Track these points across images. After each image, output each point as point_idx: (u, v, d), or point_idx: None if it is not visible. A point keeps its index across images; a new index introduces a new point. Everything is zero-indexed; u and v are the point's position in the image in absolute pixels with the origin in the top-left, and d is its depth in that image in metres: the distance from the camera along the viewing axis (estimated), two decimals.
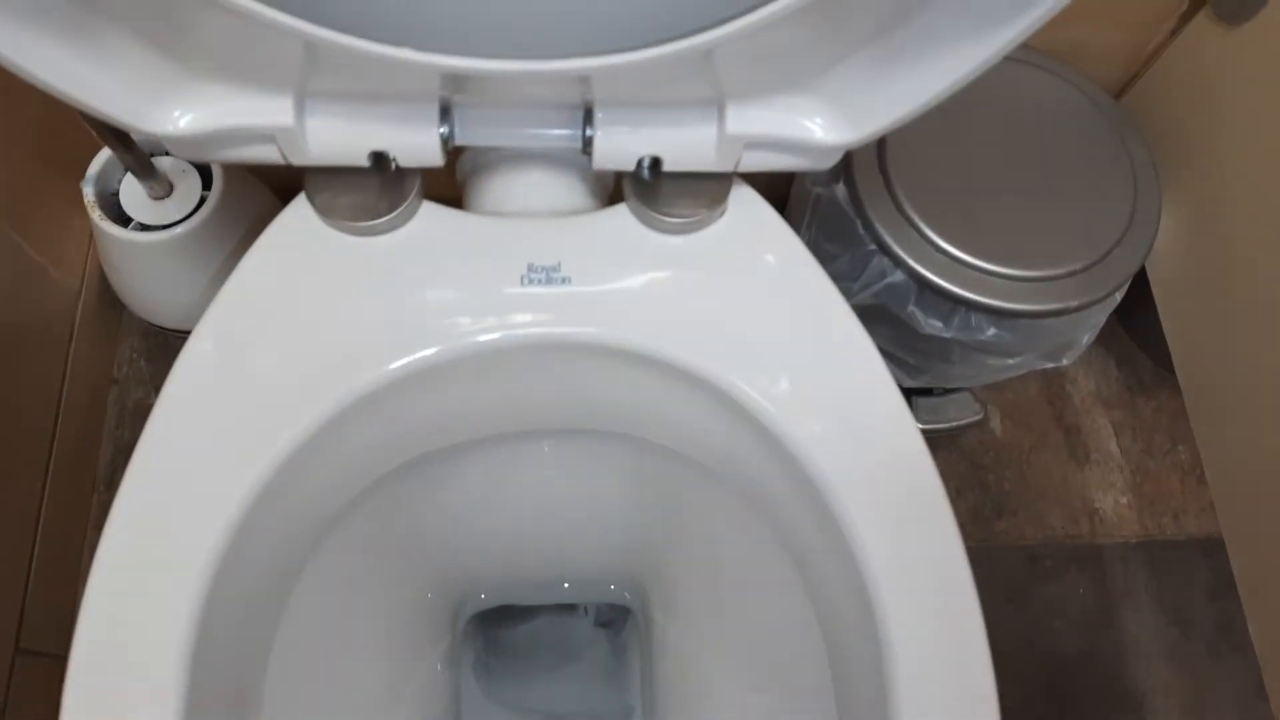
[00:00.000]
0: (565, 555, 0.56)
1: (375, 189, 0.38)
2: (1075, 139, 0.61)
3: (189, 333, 0.37)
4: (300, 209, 0.38)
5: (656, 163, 0.37)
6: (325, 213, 0.38)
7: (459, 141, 0.37)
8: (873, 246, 0.59)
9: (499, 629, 0.57)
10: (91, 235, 0.71)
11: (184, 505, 0.34)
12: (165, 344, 0.74)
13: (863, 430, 0.38)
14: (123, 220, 0.63)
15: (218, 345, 0.36)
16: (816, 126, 0.36)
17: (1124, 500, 0.76)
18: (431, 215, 0.39)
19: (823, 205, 0.61)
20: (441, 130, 0.36)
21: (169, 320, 0.69)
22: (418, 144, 0.36)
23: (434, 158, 0.37)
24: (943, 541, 0.36)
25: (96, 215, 0.62)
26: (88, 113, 0.31)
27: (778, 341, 0.39)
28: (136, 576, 0.33)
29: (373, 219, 0.38)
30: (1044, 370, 0.76)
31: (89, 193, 0.62)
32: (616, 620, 0.58)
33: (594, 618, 0.58)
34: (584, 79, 0.34)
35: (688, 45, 0.29)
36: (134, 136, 0.56)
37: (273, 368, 0.36)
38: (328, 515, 0.41)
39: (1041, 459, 0.77)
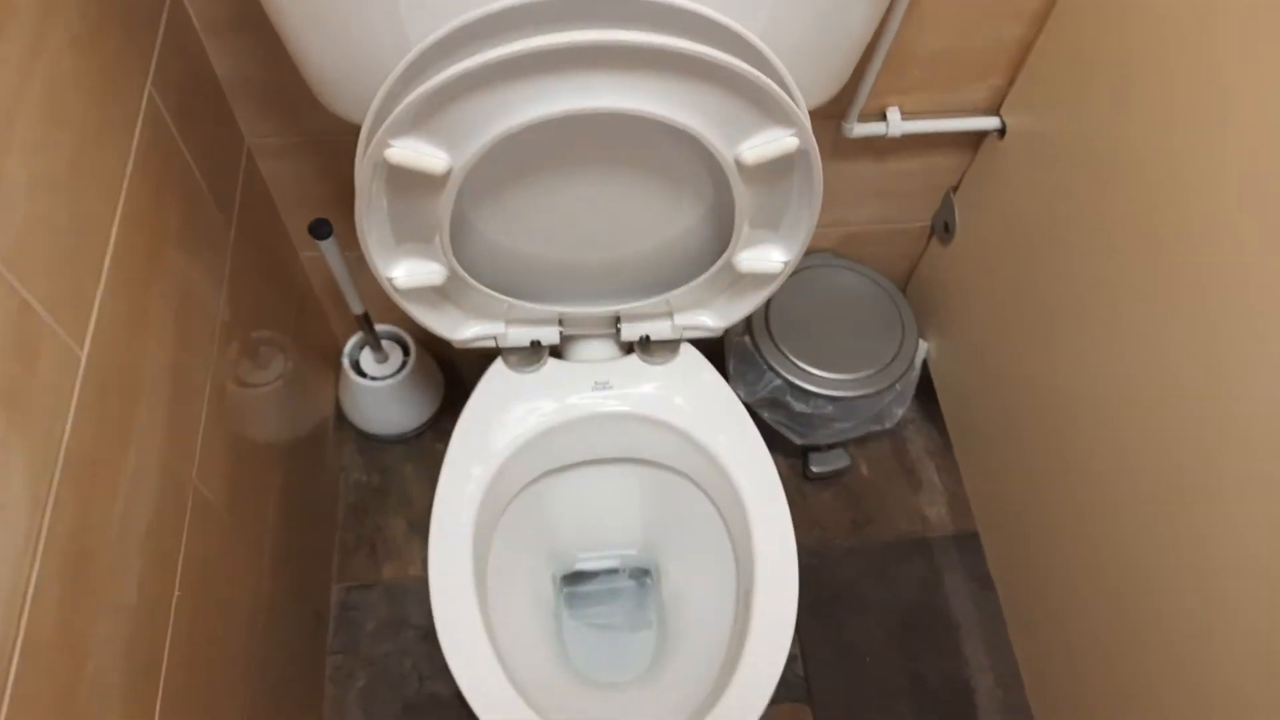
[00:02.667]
0: (612, 539, 1.06)
1: (529, 354, 0.90)
2: (870, 307, 1.15)
3: (387, 438, 0.88)
4: (497, 366, 0.91)
5: (647, 338, 0.90)
6: (511, 366, 0.90)
7: (566, 334, 0.90)
8: (765, 366, 1.11)
9: (577, 582, 1.07)
10: (337, 382, 1.23)
11: (458, 492, 0.85)
12: (369, 443, 1.25)
13: (743, 447, 0.88)
14: (360, 373, 1.16)
15: (471, 418, 0.88)
16: (709, 320, 0.88)
17: (943, 511, 1.25)
18: (555, 364, 0.91)
19: (737, 345, 1.14)
20: (560, 330, 0.88)
21: (378, 429, 1.21)
22: (549, 335, 0.89)
23: (555, 338, 0.89)
24: (771, 487, 0.86)
25: (348, 368, 1.15)
26: (423, 326, 0.84)
27: (706, 411, 0.90)
28: (449, 518, 0.83)
29: (531, 366, 0.90)
30: (886, 433, 1.26)
31: (345, 359, 1.15)
32: (641, 575, 1.07)
33: (628, 574, 1.07)
34: (615, 310, 0.87)
35: (654, 300, 0.83)
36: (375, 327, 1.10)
37: (494, 423, 0.87)
38: (506, 500, 0.92)
39: (892, 488, 1.27)
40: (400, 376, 1.15)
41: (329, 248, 0.89)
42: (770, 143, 0.63)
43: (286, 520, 0.97)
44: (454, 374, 1.26)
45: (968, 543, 1.23)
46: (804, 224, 0.74)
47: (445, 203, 0.66)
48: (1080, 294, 0.86)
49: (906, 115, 0.94)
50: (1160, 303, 0.74)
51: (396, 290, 0.75)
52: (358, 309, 1.01)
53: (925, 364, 1.22)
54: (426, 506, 0.85)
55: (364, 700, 1.09)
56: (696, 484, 0.93)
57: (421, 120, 0.60)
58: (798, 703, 1.11)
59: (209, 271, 0.79)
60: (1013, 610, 1.11)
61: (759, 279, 0.81)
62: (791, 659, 1.11)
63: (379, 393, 1.15)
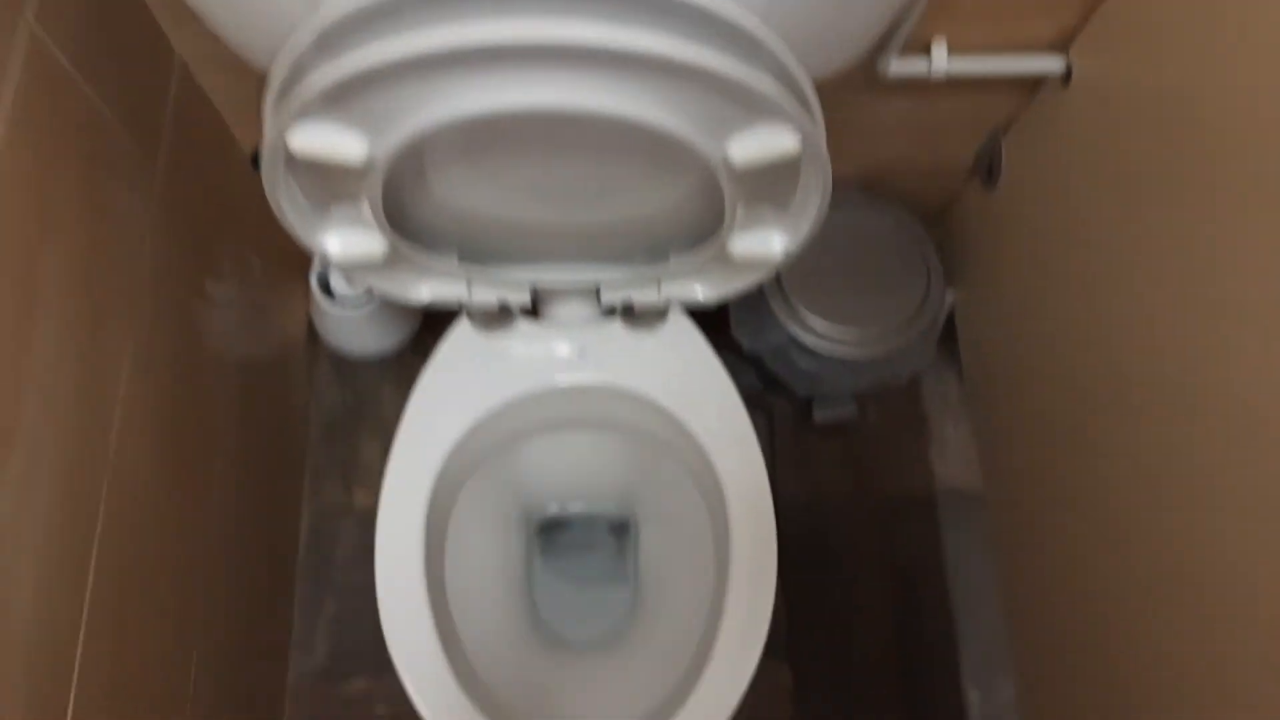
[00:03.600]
0: (590, 493, 1.00)
1: (498, 314, 0.81)
2: (895, 251, 1.02)
3: (363, 358, 0.80)
4: (462, 325, 0.81)
5: (629, 304, 0.80)
6: (477, 326, 0.81)
7: (540, 300, 0.80)
8: (771, 317, 1.00)
9: (554, 532, 1.01)
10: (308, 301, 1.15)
11: (423, 446, 0.78)
12: (343, 362, 1.18)
13: (722, 418, 0.80)
14: (329, 292, 1.07)
15: (432, 376, 0.79)
16: (700, 292, 0.78)
17: (952, 468, 1.18)
18: (525, 325, 0.82)
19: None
20: (531, 294, 0.78)
21: (352, 351, 1.13)
22: (520, 298, 0.79)
23: (526, 302, 0.79)
24: (755, 479, 0.78)
25: (316, 292, 1.06)
26: (374, 291, 0.75)
27: (690, 389, 0.81)
28: (407, 472, 0.77)
29: (499, 327, 0.81)
30: (900, 383, 1.17)
31: (312, 277, 1.06)
32: (619, 528, 1.02)
33: (605, 527, 1.01)
34: (594, 279, 0.77)
35: (638, 270, 0.72)
36: None
37: (456, 390, 0.79)
38: (473, 465, 0.85)
39: (900, 440, 1.19)
40: (372, 302, 1.06)
41: None
42: (764, 143, 0.51)
43: (248, 444, 0.92)
44: None
45: (973, 503, 1.16)
46: (811, 212, 0.62)
47: (371, 188, 0.55)
48: (1132, 264, 0.74)
49: (954, 51, 0.79)
50: (1229, 290, 0.63)
51: (332, 263, 0.65)
52: None
53: (951, 313, 1.11)
54: None
55: (333, 629, 1.07)
56: (676, 459, 0.86)
57: (334, 103, 0.48)
58: (778, 660, 1.08)
59: (128, 219, 0.69)
60: (1008, 578, 1.06)
61: (759, 262, 0.70)
62: (775, 614, 1.07)
63: (348, 318, 1.06)
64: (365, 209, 0.60)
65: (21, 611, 0.54)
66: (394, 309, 1.09)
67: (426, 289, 0.76)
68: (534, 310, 0.83)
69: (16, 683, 0.53)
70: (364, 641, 1.07)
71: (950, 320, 1.12)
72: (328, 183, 0.57)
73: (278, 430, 1.06)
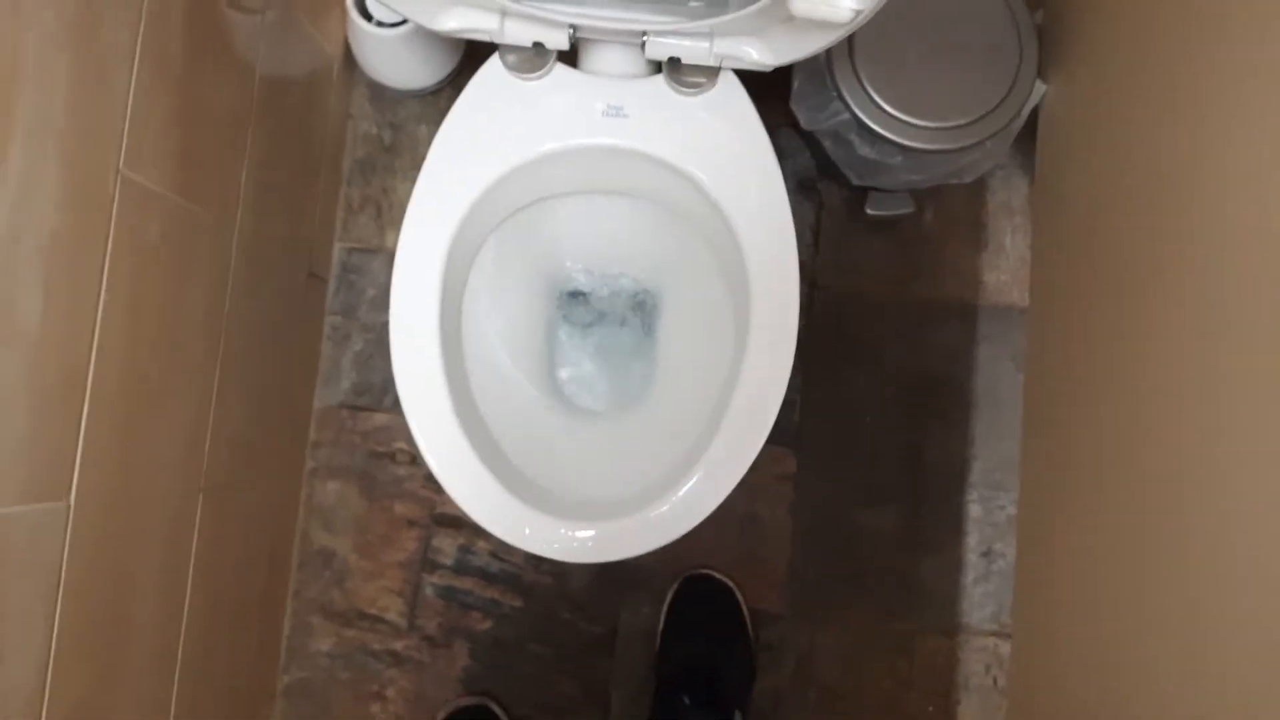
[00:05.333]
0: (615, 265, 0.97)
1: (533, 57, 0.74)
2: (985, 28, 0.91)
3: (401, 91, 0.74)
4: (494, 64, 0.75)
5: (676, 60, 0.72)
6: (510, 67, 0.74)
7: (580, 36, 0.72)
8: (834, 93, 0.91)
9: (577, 304, 1.00)
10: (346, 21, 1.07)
11: (444, 199, 0.74)
12: (382, 93, 1.12)
13: (761, 200, 0.74)
14: (367, 15, 0.99)
15: (459, 117, 0.74)
16: (756, 53, 0.70)
17: (1004, 279, 1.12)
18: (561, 72, 0.75)
19: (807, 59, 0.93)
20: (569, 33, 0.71)
21: (390, 81, 1.07)
22: (557, 39, 0.71)
23: (564, 44, 0.72)
24: (784, 251, 0.73)
25: (352, 10, 0.98)
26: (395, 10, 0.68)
27: (727, 156, 0.75)
28: (427, 218, 0.74)
29: (533, 71, 0.74)
30: (965, 182, 1.09)
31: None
32: (642, 304, 1.00)
33: (629, 301, 1.00)
34: (640, 22, 0.69)
35: (690, 22, 0.64)
36: None
37: (484, 135, 0.74)
38: (497, 220, 0.82)
39: (953, 244, 1.12)
40: (409, 24, 0.98)
41: None
42: None
43: (276, 164, 0.89)
44: None
45: (1018, 320, 1.11)
46: None
47: None
48: (1264, 82, 0.64)
49: None
50: None
51: None
52: None
53: (1035, 109, 1.01)
54: None
55: (359, 364, 1.10)
56: (706, 238, 0.81)
57: None
58: (785, 447, 1.09)
59: None
60: (1034, 395, 1.03)
61: (824, 21, 0.62)
62: (790, 404, 1.07)
63: (386, 41, 0.99)
64: None
65: (31, 318, 0.54)
66: (433, 38, 1.01)
67: (455, 18, 0.69)
68: (572, 58, 0.76)
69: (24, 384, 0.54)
70: (389, 379, 1.09)
71: (1033, 118, 1.01)
72: None
73: (310, 156, 1.02)
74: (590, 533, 0.71)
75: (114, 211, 0.62)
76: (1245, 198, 0.65)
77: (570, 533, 0.71)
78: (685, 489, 0.71)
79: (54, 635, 0.58)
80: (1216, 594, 0.64)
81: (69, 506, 0.59)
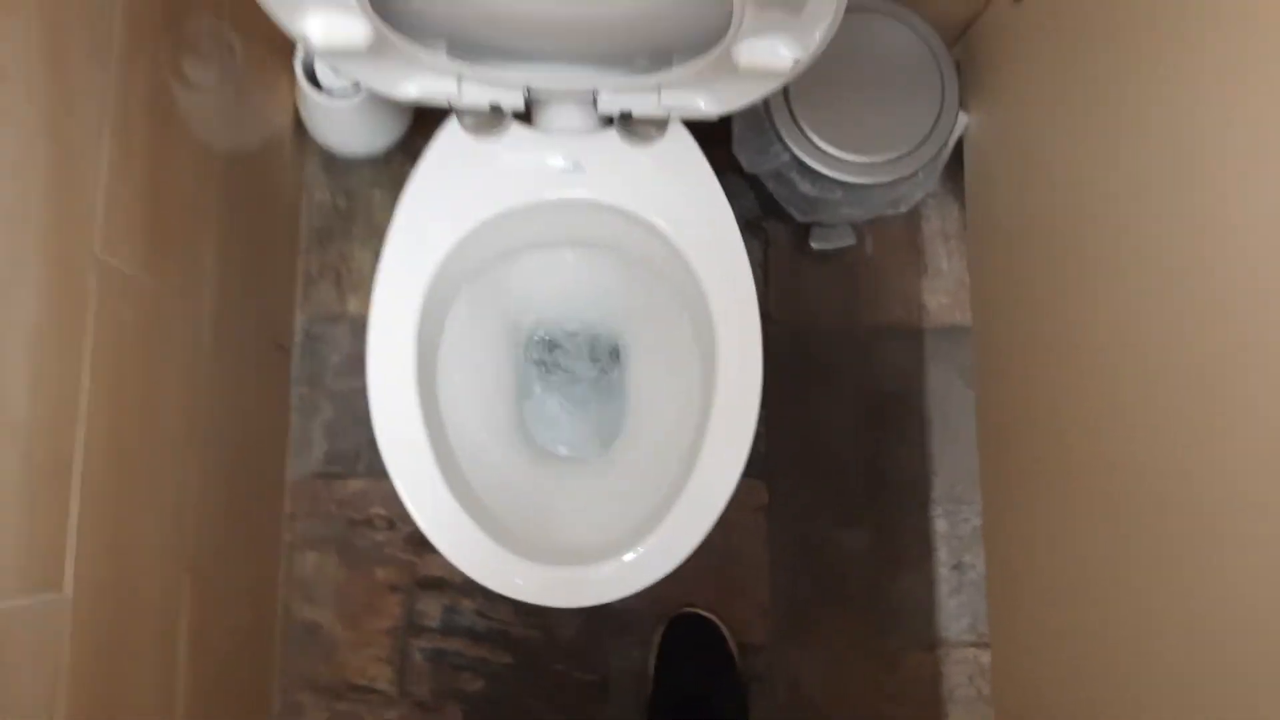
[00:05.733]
0: (580, 313, 0.99)
1: (490, 119, 0.77)
2: (910, 68, 0.97)
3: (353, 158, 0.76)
4: (452, 126, 0.78)
5: (628, 114, 0.76)
6: (467, 129, 0.77)
7: (534, 97, 0.76)
8: (774, 136, 0.96)
9: (546, 352, 1.02)
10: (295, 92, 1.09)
11: (412, 262, 0.76)
12: (334, 160, 1.14)
13: (715, 241, 0.77)
14: (317, 84, 1.01)
15: (421, 181, 0.77)
16: (703, 103, 0.74)
17: (944, 301, 1.17)
18: (518, 131, 0.78)
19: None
20: (524, 95, 0.74)
21: (342, 148, 1.09)
22: (513, 100, 0.75)
23: (520, 105, 0.75)
24: (745, 313, 0.77)
25: (302, 80, 1.00)
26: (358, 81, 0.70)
27: (681, 201, 0.78)
28: (397, 282, 0.76)
29: (490, 132, 0.77)
30: (901, 212, 1.14)
31: (297, 65, 1.00)
32: (610, 350, 1.03)
33: (597, 349, 1.02)
34: (591, 83, 0.72)
35: (638, 78, 0.68)
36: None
37: (446, 197, 0.77)
38: (465, 279, 0.84)
39: (895, 270, 1.18)
40: (359, 93, 1.01)
41: None
42: None
43: (236, 238, 0.90)
44: None
45: (961, 338, 1.16)
46: (826, 18, 0.58)
47: None
48: (1168, 99, 0.70)
49: None
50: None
51: (314, 49, 0.61)
52: None
53: (960, 139, 1.07)
54: None
55: (329, 432, 1.10)
56: (667, 281, 0.85)
57: None
58: (755, 478, 1.12)
59: None
60: (985, 410, 1.08)
61: (766, 72, 0.66)
62: (757, 436, 1.10)
63: (336, 110, 1.02)
64: None
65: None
66: (383, 104, 1.04)
67: (415, 85, 0.72)
68: (527, 117, 0.79)
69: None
70: (361, 444, 1.10)
71: (959, 148, 1.08)
72: None
73: (269, 226, 1.04)
74: (583, 576, 0.73)
75: (92, 297, 0.62)
76: (1157, 204, 0.70)
77: (562, 578, 0.73)
78: (668, 526, 0.73)
79: None
80: (1173, 588, 0.68)
81: (69, 597, 0.59)
